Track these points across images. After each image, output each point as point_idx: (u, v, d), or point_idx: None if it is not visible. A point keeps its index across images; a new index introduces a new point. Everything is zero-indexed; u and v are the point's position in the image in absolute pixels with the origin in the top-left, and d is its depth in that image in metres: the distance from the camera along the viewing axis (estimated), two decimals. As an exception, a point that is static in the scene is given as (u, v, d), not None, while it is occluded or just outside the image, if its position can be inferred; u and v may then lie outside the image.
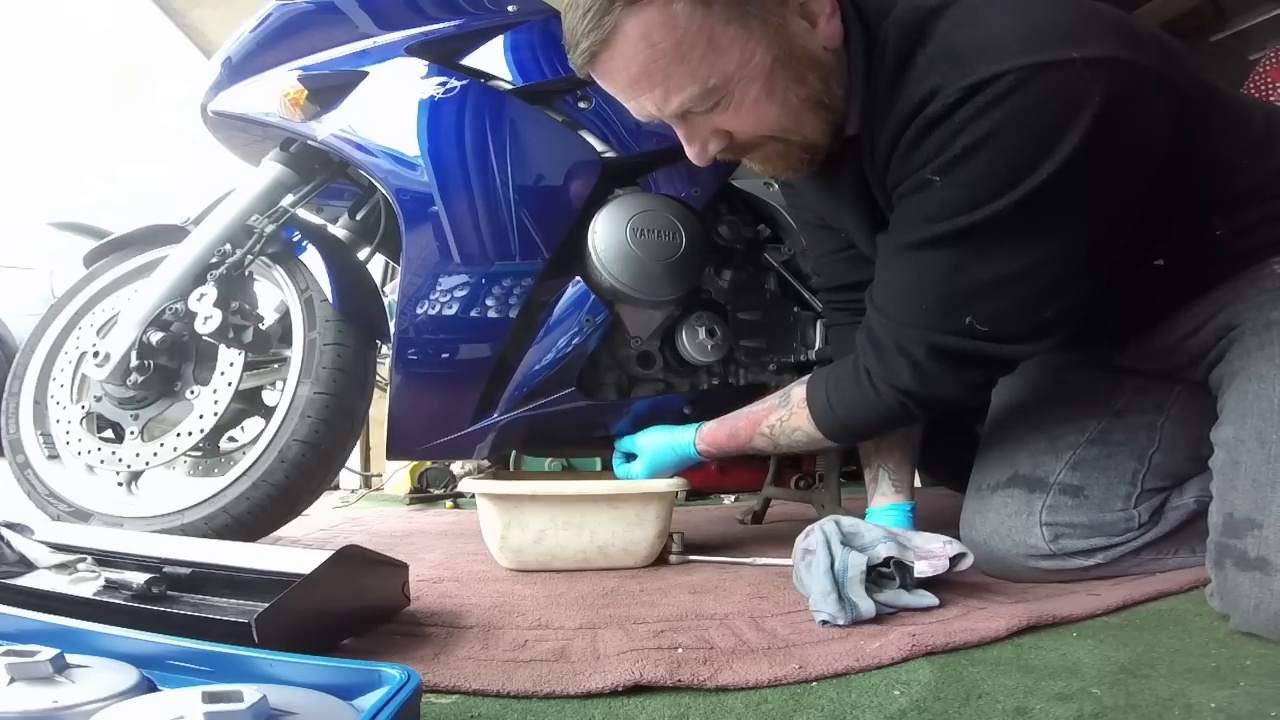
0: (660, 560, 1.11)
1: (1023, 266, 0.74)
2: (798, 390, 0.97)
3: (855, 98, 0.80)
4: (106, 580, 0.71)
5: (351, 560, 0.72)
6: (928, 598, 0.82)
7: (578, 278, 1.17)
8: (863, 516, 1.02)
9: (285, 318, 1.25)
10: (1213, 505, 0.80)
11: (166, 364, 1.20)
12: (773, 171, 0.88)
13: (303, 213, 1.28)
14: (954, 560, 0.84)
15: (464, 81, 1.15)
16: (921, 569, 0.83)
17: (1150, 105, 0.71)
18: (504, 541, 1.04)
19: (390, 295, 1.69)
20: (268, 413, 1.24)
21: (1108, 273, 0.79)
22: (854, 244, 1.07)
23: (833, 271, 1.14)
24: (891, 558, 0.82)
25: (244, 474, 1.14)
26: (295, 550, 0.76)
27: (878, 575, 0.82)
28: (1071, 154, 0.67)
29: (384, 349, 1.28)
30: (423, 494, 2.20)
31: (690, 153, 0.82)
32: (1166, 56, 0.73)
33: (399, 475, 2.32)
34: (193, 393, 1.21)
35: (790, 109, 0.78)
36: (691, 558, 1.13)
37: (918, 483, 2.14)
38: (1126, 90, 0.68)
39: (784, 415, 0.98)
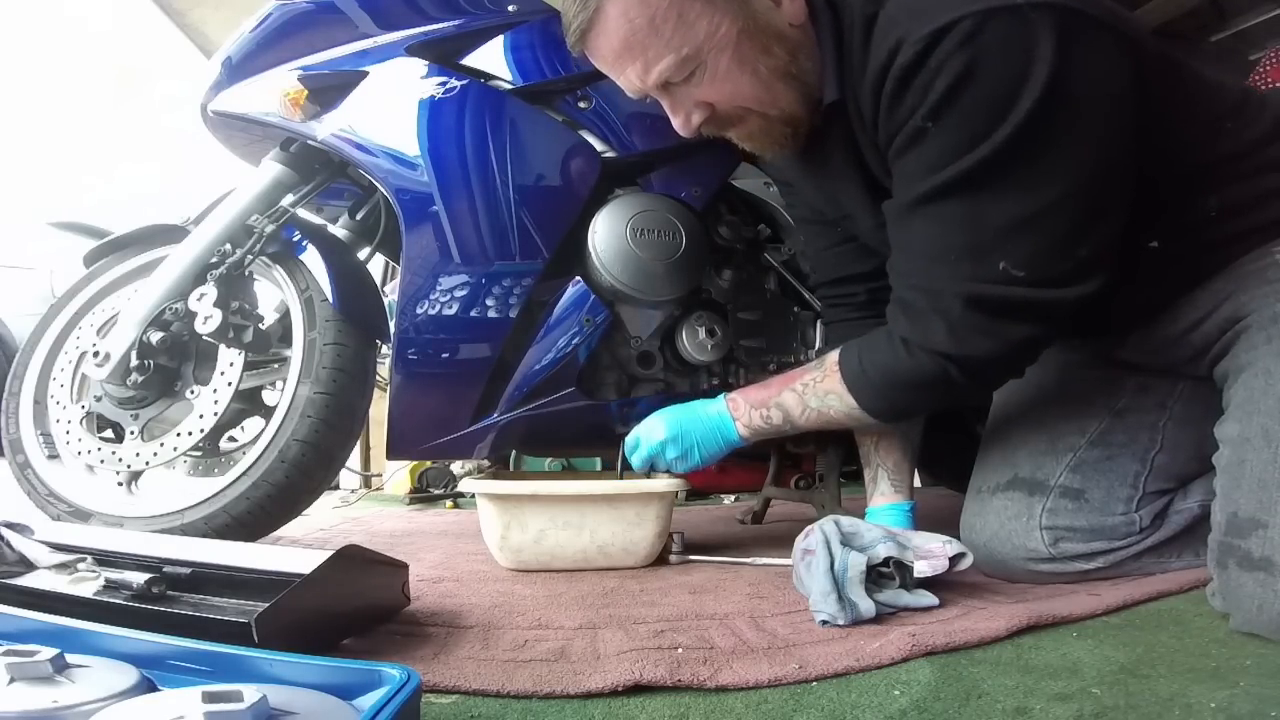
0: (660, 560, 1.11)
1: (1043, 203, 0.74)
2: (832, 355, 0.94)
3: (829, 66, 0.84)
4: (106, 580, 0.71)
5: (351, 560, 0.72)
6: (928, 598, 0.82)
7: (578, 278, 1.17)
8: (863, 516, 1.01)
9: (285, 318, 1.25)
10: (1216, 504, 0.79)
11: (166, 364, 1.20)
12: (760, 148, 0.93)
13: (303, 213, 1.28)
14: (954, 560, 0.84)
15: (464, 81, 1.15)
16: (921, 569, 0.83)
17: (1103, 43, 0.73)
18: (504, 541, 1.04)
19: (390, 295, 1.69)
20: (268, 413, 1.25)
21: (1129, 210, 0.79)
22: (851, 237, 1.07)
23: (830, 265, 1.14)
24: (891, 558, 0.82)
25: (244, 474, 1.14)
26: (295, 550, 0.76)
27: (877, 575, 0.82)
28: (1048, 81, 0.70)
29: (384, 349, 1.28)
30: (423, 494, 2.20)
31: (676, 123, 0.88)
32: (1119, 17, 0.76)
33: (399, 475, 2.32)
34: (193, 393, 1.21)
35: (761, 79, 0.84)
36: (691, 558, 1.13)
37: (917, 483, 2.15)
38: (1075, 30, 0.71)
39: (817, 376, 0.94)
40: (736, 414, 0.99)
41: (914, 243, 0.83)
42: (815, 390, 0.94)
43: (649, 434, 1.03)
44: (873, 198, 0.91)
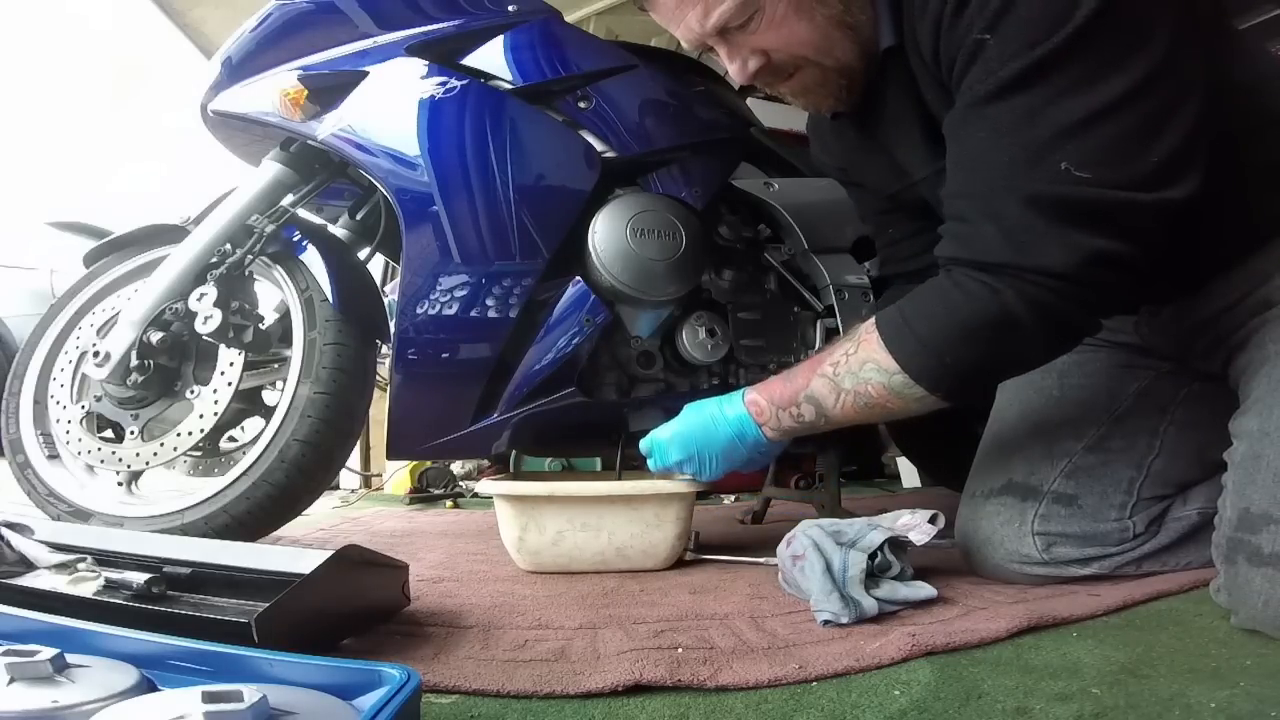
0: (678, 561, 1.10)
1: (1104, 101, 0.70)
2: (866, 322, 0.86)
3: (884, 11, 0.85)
4: (106, 580, 0.71)
5: (351, 560, 0.72)
6: (925, 589, 0.82)
7: (578, 277, 1.17)
8: (863, 515, 1.01)
9: (285, 317, 1.25)
10: (1227, 499, 0.78)
11: (166, 364, 1.20)
12: (815, 103, 0.93)
13: (303, 212, 1.28)
14: (931, 521, 0.86)
15: (464, 81, 1.15)
16: (917, 538, 0.85)
17: None
18: (521, 544, 1.03)
19: (390, 295, 1.69)
20: (268, 413, 1.25)
21: (1204, 110, 0.74)
22: (924, 220, 1.04)
23: (905, 255, 1.12)
24: (886, 541, 0.83)
25: (244, 474, 1.14)
26: (295, 550, 0.76)
27: (872, 569, 0.83)
28: None
29: (384, 349, 1.28)
30: (423, 494, 2.20)
31: (732, 70, 0.89)
32: None
33: (399, 475, 2.32)
34: (193, 392, 1.21)
35: (818, 27, 0.85)
36: (705, 556, 1.12)
37: (917, 483, 2.15)
38: None
39: (849, 348, 0.84)
40: (761, 419, 0.92)
41: (967, 153, 0.78)
42: (849, 365, 0.83)
43: (662, 451, 0.99)
44: (933, 145, 0.88)
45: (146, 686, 0.47)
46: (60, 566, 0.76)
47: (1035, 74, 0.72)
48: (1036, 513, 0.92)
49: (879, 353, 0.81)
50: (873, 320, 0.84)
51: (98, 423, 1.27)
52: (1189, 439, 0.93)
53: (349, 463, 2.06)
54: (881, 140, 0.99)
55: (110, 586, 0.71)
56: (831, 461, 1.36)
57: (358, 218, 1.35)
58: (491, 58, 1.19)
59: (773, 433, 0.92)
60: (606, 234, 1.16)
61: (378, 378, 1.43)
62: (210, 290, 1.16)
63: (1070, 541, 0.91)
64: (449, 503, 2.10)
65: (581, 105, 1.20)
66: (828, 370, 0.86)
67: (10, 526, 0.82)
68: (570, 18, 1.35)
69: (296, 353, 1.18)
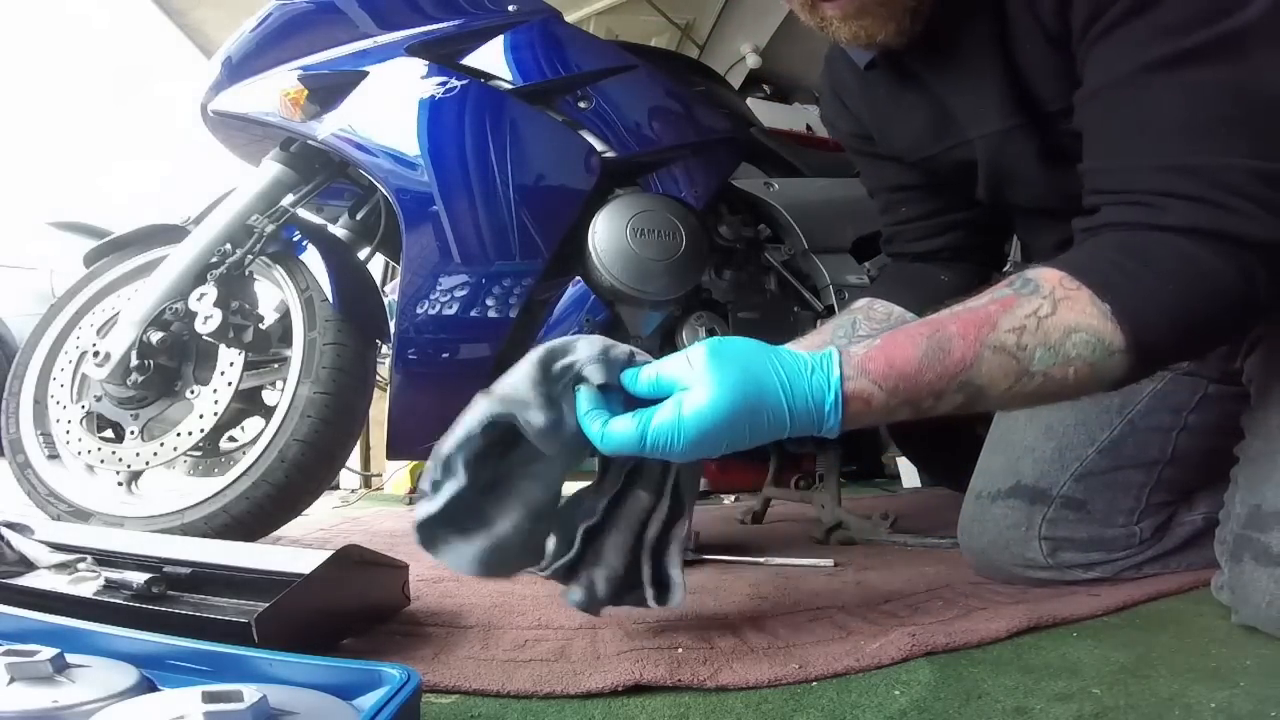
0: None
1: None
2: (1043, 272, 0.63)
3: None
4: (106, 580, 0.71)
5: (351, 560, 0.72)
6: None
7: (578, 277, 1.17)
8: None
9: (285, 317, 1.25)
10: (1237, 495, 0.76)
11: (166, 364, 1.20)
12: (869, 29, 0.78)
13: (303, 212, 1.29)
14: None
15: (464, 81, 1.15)
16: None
17: None
18: None
19: (390, 295, 1.69)
20: (268, 412, 1.25)
21: None
22: (954, 207, 0.99)
23: (914, 235, 1.04)
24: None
25: (244, 474, 1.14)
26: (295, 550, 0.76)
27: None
28: None
29: (384, 349, 1.28)
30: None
31: None
32: None
33: (399, 475, 2.32)
34: (193, 392, 1.21)
35: None
36: (705, 556, 1.12)
37: (917, 483, 2.15)
38: None
39: (1040, 305, 0.61)
40: (861, 410, 0.60)
41: (1158, 116, 0.66)
42: (1043, 336, 0.60)
43: (697, 435, 0.58)
44: (1011, 99, 0.80)
45: (146, 686, 0.47)
46: (60, 566, 0.76)
47: (1237, 42, 0.63)
48: (1045, 517, 0.91)
49: (1095, 319, 0.60)
50: (1058, 272, 0.62)
51: (98, 423, 1.27)
52: (1200, 446, 0.91)
53: (349, 463, 2.06)
54: (934, 87, 0.87)
55: (110, 586, 0.70)
56: (831, 461, 1.36)
57: (358, 218, 1.35)
58: (491, 58, 1.19)
59: (856, 424, 0.62)
60: (606, 234, 1.16)
61: (378, 378, 1.43)
62: (210, 290, 1.16)
63: (1076, 546, 0.90)
64: (449, 503, 2.10)
65: (581, 105, 1.21)
66: (1007, 341, 0.60)
67: (10, 526, 0.82)
68: (570, 18, 1.35)
69: (296, 353, 1.18)
